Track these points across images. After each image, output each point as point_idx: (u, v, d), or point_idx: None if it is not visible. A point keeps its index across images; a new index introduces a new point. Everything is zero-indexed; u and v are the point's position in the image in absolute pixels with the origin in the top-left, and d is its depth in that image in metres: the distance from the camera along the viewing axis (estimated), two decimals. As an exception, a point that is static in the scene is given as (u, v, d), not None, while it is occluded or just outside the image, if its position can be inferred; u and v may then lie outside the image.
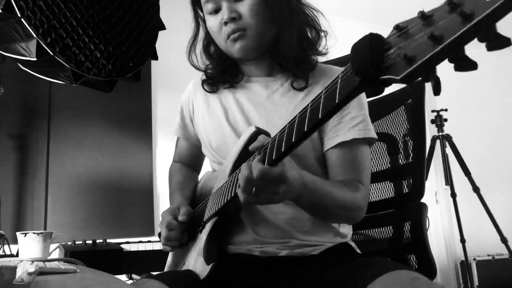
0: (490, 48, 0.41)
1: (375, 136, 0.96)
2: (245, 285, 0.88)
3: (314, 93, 0.95)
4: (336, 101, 0.56)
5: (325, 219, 0.93)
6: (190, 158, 1.18)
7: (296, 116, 0.67)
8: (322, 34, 1.00)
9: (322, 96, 0.60)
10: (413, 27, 0.46)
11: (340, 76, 0.57)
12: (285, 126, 0.69)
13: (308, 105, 0.64)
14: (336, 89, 0.57)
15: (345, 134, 0.93)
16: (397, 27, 0.48)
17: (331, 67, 1.03)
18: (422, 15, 0.45)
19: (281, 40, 0.95)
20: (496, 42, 0.40)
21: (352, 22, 3.70)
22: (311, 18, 0.99)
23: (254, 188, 0.71)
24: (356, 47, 0.50)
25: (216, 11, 0.95)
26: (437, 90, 0.43)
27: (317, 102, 0.61)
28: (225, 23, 0.93)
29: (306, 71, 0.97)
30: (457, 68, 0.43)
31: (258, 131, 0.86)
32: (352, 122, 0.93)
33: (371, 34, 0.50)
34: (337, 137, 0.93)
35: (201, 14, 1.03)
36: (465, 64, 0.42)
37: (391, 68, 0.46)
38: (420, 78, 0.45)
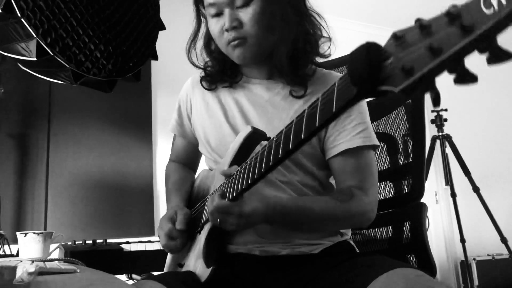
0: (490, 61, 0.39)
1: (378, 143, 0.97)
2: (246, 285, 0.88)
3: None
4: (333, 111, 0.55)
5: (312, 232, 0.94)
6: (187, 157, 1.18)
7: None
8: (324, 40, 0.99)
9: (319, 104, 0.59)
10: (411, 36, 0.44)
11: (337, 84, 0.56)
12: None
13: (304, 111, 0.64)
14: (332, 98, 0.56)
15: (349, 142, 0.93)
16: (395, 36, 0.46)
17: (332, 73, 1.03)
18: (420, 25, 0.43)
19: (276, 52, 0.95)
20: (497, 56, 0.39)
21: (352, 22, 3.70)
22: (315, 26, 0.99)
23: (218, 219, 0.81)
24: (353, 56, 0.49)
25: (218, 15, 0.95)
26: (436, 103, 0.42)
27: (313, 110, 0.61)
28: (226, 30, 0.93)
29: (303, 79, 0.97)
30: (457, 81, 0.41)
31: (255, 132, 0.86)
32: (356, 130, 0.94)
33: (368, 42, 0.48)
34: (341, 144, 0.93)
35: (204, 12, 1.02)
36: (465, 77, 0.41)
37: (389, 79, 0.45)
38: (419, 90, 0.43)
